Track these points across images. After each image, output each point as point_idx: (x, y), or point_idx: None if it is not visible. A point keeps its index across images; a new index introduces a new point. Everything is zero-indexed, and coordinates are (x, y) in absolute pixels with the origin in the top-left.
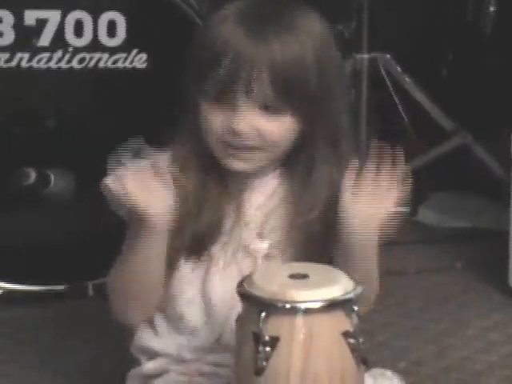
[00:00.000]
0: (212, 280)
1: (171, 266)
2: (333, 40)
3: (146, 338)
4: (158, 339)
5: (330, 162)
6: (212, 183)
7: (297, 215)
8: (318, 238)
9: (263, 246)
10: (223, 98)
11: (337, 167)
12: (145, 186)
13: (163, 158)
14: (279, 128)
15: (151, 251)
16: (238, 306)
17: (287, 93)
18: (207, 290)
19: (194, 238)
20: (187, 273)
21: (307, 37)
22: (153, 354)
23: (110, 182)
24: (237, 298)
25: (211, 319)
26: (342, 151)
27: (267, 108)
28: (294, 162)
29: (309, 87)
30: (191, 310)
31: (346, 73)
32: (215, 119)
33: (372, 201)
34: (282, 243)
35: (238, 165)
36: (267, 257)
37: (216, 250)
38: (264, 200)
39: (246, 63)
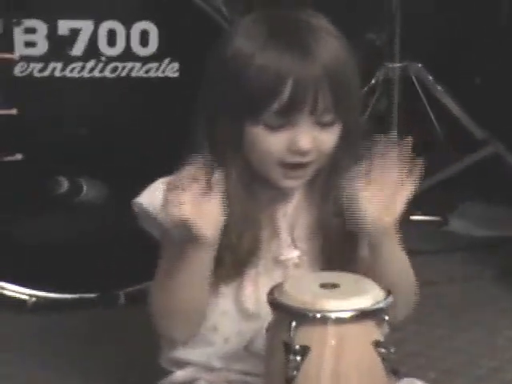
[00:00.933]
0: (245, 291)
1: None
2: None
3: (175, 349)
4: (187, 350)
5: (350, 165)
6: (249, 203)
7: (327, 220)
8: (341, 246)
9: (293, 255)
10: (285, 122)
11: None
12: (199, 204)
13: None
14: (333, 138)
15: (200, 268)
16: (270, 317)
17: (343, 100)
18: (241, 301)
19: (234, 265)
20: (221, 286)
21: (337, 40)
22: (182, 364)
23: (166, 208)
24: (269, 308)
25: (244, 329)
26: (359, 154)
27: (322, 123)
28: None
29: (353, 90)
30: (225, 321)
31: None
32: (276, 143)
33: (384, 196)
34: (310, 251)
35: (290, 183)
36: (297, 266)
37: (252, 261)
38: (291, 209)
39: (309, 83)
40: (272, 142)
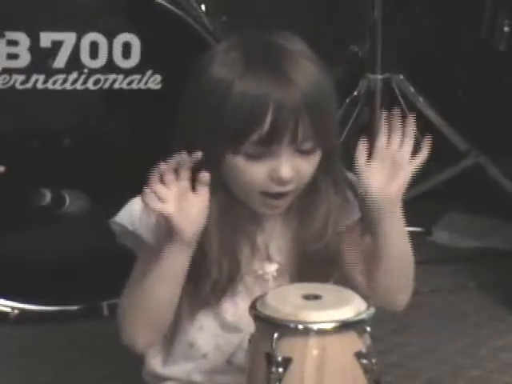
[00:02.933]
0: (224, 307)
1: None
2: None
3: (155, 364)
4: (167, 366)
5: (329, 186)
6: (227, 228)
7: (305, 243)
8: (321, 258)
9: (271, 268)
10: (266, 151)
11: (337, 198)
12: (184, 204)
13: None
14: (312, 165)
15: (173, 268)
16: (250, 329)
17: (322, 127)
18: (221, 316)
19: (214, 293)
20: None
21: (314, 65)
22: (163, 380)
23: (149, 201)
24: (248, 321)
25: (222, 343)
26: (338, 174)
27: (302, 151)
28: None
29: (331, 116)
30: (202, 336)
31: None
32: (256, 172)
33: (387, 170)
34: (288, 264)
35: (270, 212)
36: (276, 279)
37: (235, 282)
38: (266, 223)
39: (289, 112)
40: (253, 172)
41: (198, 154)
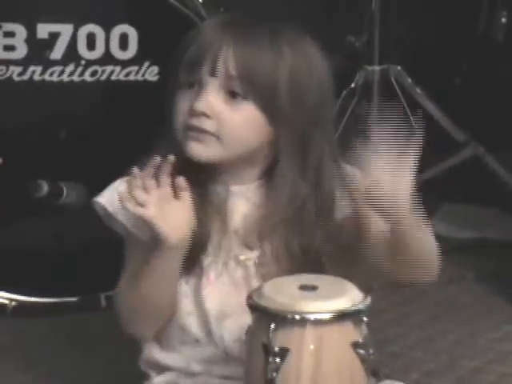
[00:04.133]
0: (204, 292)
1: None
2: (319, 56)
3: (154, 352)
4: (165, 353)
5: (293, 169)
6: (193, 194)
7: (265, 218)
8: (300, 248)
9: (252, 255)
10: (192, 83)
11: (301, 176)
12: (166, 210)
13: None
14: (239, 116)
15: (166, 270)
16: (232, 316)
17: (251, 79)
18: (201, 302)
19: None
20: (182, 285)
21: (286, 41)
22: (161, 369)
23: (129, 205)
24: (232, 307)
25: (209, 330)
26: (309, 162)
27: (230, 94)
28: (270, 171)
29: (277, 82)
30: (191, 321)
31: (330, 87)
32: (183, 105)
33: (393, 179)
34: (274, 251)
35: (196, 148)
36: (260, 266)
37: (207, 262)
38: (249, 209)
39: (212, 43)
40: (180, 104)
41: (171, 158)
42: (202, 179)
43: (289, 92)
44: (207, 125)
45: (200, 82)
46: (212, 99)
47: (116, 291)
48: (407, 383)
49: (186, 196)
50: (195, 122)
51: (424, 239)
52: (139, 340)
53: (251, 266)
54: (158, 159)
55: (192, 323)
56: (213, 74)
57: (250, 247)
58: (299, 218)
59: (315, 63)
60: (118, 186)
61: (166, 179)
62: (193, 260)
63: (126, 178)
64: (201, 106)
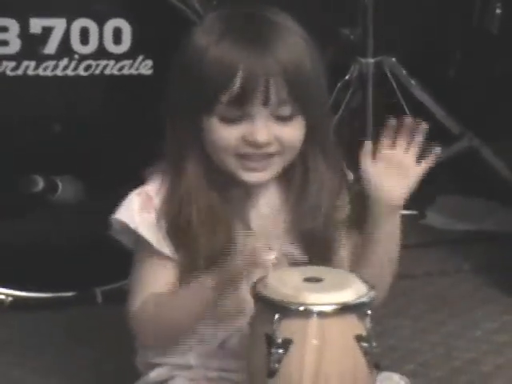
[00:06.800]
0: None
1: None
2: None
3: (150, 356)
4: (162, 354)
5: (322, 168)
6: (215, 197)
7: (300, 223)
8: (321, 244)
9: (271, 256)
10: (239, 114)
11: (329, 174)
12: None
13: (152, 186)
14: (295, 132)
15: (211, 297)
16: (245, 314)
17: (301, 94)
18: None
19: (208, 261)
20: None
21: (298, 37)
22: (158, 366)
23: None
24: (249, 306)
25: (219, 328)
26: (331, 157)
27: (280, 116)
28: (290, 170)
29: (314, 88)
30: (201, 323)
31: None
32: (231, 135)
33: (393, 174)
34: (288, 251)
35: (253, 177)
36: (276, 265)
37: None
38: (267, 210)
39: (260, 75)
40: (228, 135)
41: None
42: (223, 182)
43: (315, 90)
44: (271, 150)
45: (249, 113)
46: (268, 127)
47: (137, 309)
48: (403, 374)
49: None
50: (258, 151)
51: (392, 254)
52: (134, 342)
53: (269, 267)
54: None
55: (201, 325)
56: (266, 104)
57: (270, 248)
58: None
59: (316, 52)
60: (132, 199)
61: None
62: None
63: (137, 191)
64: (263, 136)
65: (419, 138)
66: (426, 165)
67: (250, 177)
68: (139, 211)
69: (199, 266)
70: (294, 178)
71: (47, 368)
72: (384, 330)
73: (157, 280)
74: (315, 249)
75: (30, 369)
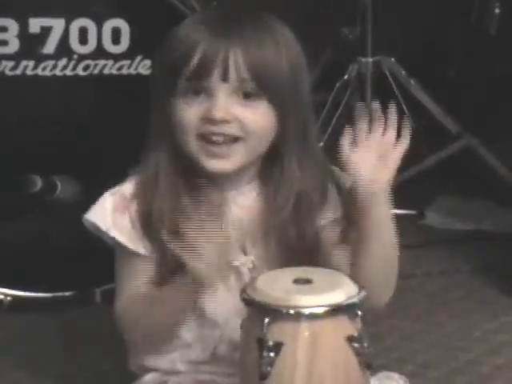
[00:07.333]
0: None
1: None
2: (297, 43)
3: (139, 358)
4: (151, 357)
5: (299, 160)
6: (190, 200)
7: (270, 216)
8: (296, 245)
9: (247, 260)
10: (199, 90)
11: (306, 165)
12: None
13: (128, 186)
14: (258, 115)
15: (190, 297)
16: (231, 320)
17: (263, 77)
18: (196, 308)
19: (178, 261)
20: None
21: (277, 32)
22: (148, 369)
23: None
24: (229, 312)
25: (206, 335)
26: (310, 150)
27: (244, 95)
28: (268, 172)
29: (283, 75)
30: (185, 327)
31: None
32: (191, 113)
33: (374, 159)
34: (264, 255)
35: (216, 164)
36: (253, 270)
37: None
38: (243, 214)
39: (220, 49)
40: (188, 113)
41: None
42: (197, 185)
43: (291, 82)
44: (231, 130)
45: (209, 89)
46: (228, 105)
47: (120, 309)
48: (402, 375)
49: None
50: (216, 129)
51: (391, 248)
52: (125, 344)
53: (245, 272)
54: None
55: (185, 328)
56: (225, 79)
57: (244, 252)
58: (296, 213)
59: (299, 49)
60: (106, 200)
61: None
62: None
63: (112, 191)
64: (221, 114)
65: (393, 117)
66: (405, 141)
67: (213, 164)
68: (112, 212)
69: (176, 264)
70: (270, 179)
71: (46, 368)
72: (383, 330)
73: (137, 279)
74: (295, 252)
75: (28, 369)
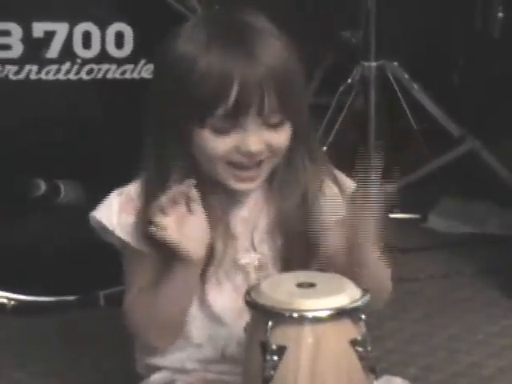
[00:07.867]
0: (209, 297)
1: None
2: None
3: (147, 358)
4: (160, 357)
5: (305, 160)
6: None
7: (276, 214)
8: (303, 246)
9: (254, 259)
10: (232, 125)
11: (310, 165)
12: (182, 226)
13: (135, 187)
14: (283, 136)
15: (186, 284)
16: (239, 320)
17: (289, 100)
18: (206, 306)
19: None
20: None
21: (279, 40)
22: (156, 369)
23: (152, 231)
24: (237, 311)
25: (215, 334)
26: (314, 150)
27: (270, 124)
28: (275, 172)
29: (300, 91)
30: (195, 325)
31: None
32: (221, 144)
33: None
34: (271, 253)
35: (244, 186)
36: (258, 269)
37: (211, 269)
38: (249, 213)
39: (254, 84)
40: (220, 145)
41: (192, 181)
42: (203, 187)
43: (300, 92)
44: (261, 156)
45: (243, 124)
46: (263, 137)
47: (128, 304)
48: (405, 378)
49: (200, 210)
50: (249, 161)
51: (377, 269)
52: (131, 346)
53: (251, 271)
54: (179, 189)
55: (196, 328)
56: (260, 114)
57: (250, 251)
58: (301, 213)
59: (293, 50)
60: (113, 199)
61: (181, 199)
62: (203, 270)
63: (119, 190)
64: (256, 147)
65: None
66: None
67: (241, 186)
68: (118, 213)
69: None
70: (276, 179)
71: (49, 371)
72: (385, 333)
73: (143, 276)
74: (299, 250)
75: (31, 372)
